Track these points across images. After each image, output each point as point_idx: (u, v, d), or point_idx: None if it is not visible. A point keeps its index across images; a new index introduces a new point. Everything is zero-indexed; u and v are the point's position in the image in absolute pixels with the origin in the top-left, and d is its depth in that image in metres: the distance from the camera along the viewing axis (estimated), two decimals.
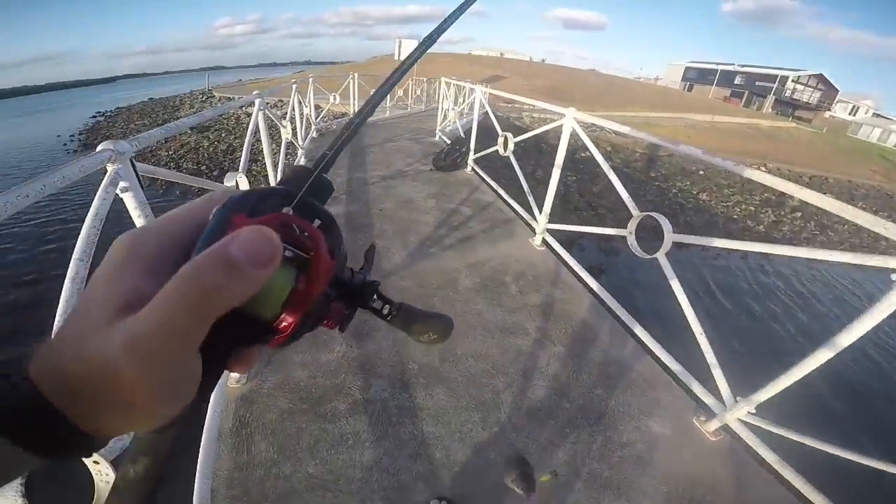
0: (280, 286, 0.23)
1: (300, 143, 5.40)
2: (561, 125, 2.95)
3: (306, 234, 0.25)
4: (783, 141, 26.34)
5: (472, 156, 5.06)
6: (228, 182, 1.95)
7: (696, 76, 53.10)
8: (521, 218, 3.79)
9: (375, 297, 0.34)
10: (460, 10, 0.41)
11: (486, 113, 4.61)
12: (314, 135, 6.70)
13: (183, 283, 0.19)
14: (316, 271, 0.24)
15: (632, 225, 2.20)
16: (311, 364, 2.05)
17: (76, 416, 0.19)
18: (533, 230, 3.43)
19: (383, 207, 3.88)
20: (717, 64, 51.53)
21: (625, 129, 2.39)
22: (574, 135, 2.93)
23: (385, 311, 0.35)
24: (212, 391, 0.24)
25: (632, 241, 2.17)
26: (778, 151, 23.57)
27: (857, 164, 25.70)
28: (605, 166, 2.49)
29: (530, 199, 3.46)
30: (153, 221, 0.25)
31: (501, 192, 4.38)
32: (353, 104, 8.87)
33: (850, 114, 48.63)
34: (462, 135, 5.61)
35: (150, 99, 32.57)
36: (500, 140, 3.79)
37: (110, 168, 1.09)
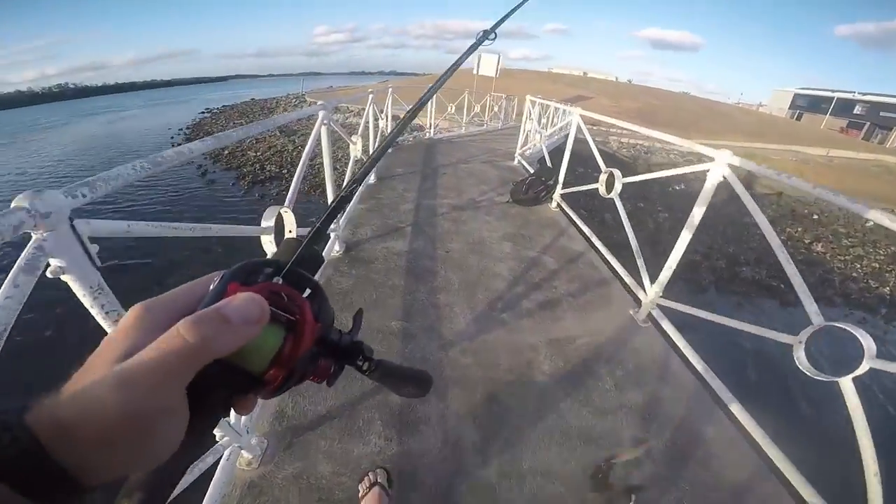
0: (269, 344, 0.28)
1: None
2: (706, 171, 2.16)
3: (293, 300, 0.30)
4: None
5: (559, 190, 4.42)
6: (266, 221, 1.58)
7: (807, 104, 47.71)
8: (621, 280, 3.04)
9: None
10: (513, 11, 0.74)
11: (585, 141, 3.89)
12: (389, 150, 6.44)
13: (180, 329, 0.24)
14: (302, 332, 0.29)
15: (804, 335, 1.57)
16: (338, 456, 1.63)
17: (64, 459, 0.20)
18: (637, 301, 2.72)
19: (450, 249, 3.33)
20: (833, 91, 45.75)
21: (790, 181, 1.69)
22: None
23: (364, 367, 0.36)
24: (205, 436, 0.28)
25: (800, 355, 1.56)
26: None
27: None
28: (781, 254, 1.75)
29: (639, 261, 2.70)
30: (164, 294, 0.28)
31: (595, 240, 3.63)
32: (430, 118, 8.60)
33: None
34: (547, 161, 4.97)
35: (252, 99, 35.57)
36: (603, 177, 3.14)
37: (34, 237, 0.69)
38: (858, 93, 43.32)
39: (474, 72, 13.19)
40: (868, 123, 40.47)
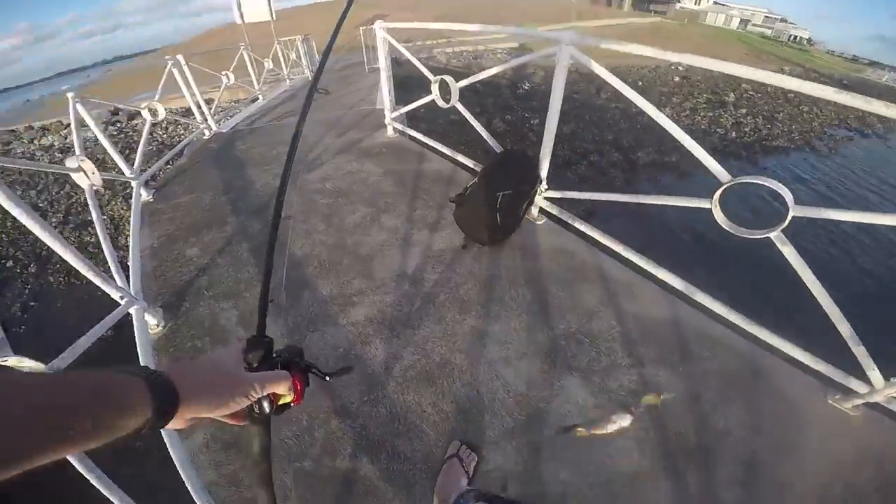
0: (290, 393, 0.55)
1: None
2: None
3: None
4: (668, 38, 26.26)
5: (543, 188, 2.20)
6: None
7: None
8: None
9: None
10: None
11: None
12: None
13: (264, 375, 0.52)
14: (300, 389, 0.56)
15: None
16: None
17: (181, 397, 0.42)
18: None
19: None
20: None
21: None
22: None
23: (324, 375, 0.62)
24: (266, 425, 0.56)
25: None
26: (676, 48, 23.38)
27: (728, 50, 26.98)
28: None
29: (855, 345, 1.38)
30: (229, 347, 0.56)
31: (655, 268, 1.85)
32: (195, 98, 4.75)
33: (695, 4, 51.39)
34: (494, 141, 2.42)
35: None
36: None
37: None
38: None
39: (238, 20, 9.13)
40: None
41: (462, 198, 2.20)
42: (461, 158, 2.89)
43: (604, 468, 1.35)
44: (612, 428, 1.40)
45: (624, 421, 1.41)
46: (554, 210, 2.29)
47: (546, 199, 2.25)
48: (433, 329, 1.72)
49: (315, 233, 2.44)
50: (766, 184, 1.35)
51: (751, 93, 13.63)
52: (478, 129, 2.49)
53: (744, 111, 12.17)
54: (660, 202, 1.76)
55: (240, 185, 3.20)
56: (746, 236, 1.44)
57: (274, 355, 0.57)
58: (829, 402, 1.54)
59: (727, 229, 1.49)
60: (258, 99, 7.12)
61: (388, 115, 3.62)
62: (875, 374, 1.41)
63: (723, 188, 1.46)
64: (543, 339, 1.68)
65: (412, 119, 4.18)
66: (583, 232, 2.15)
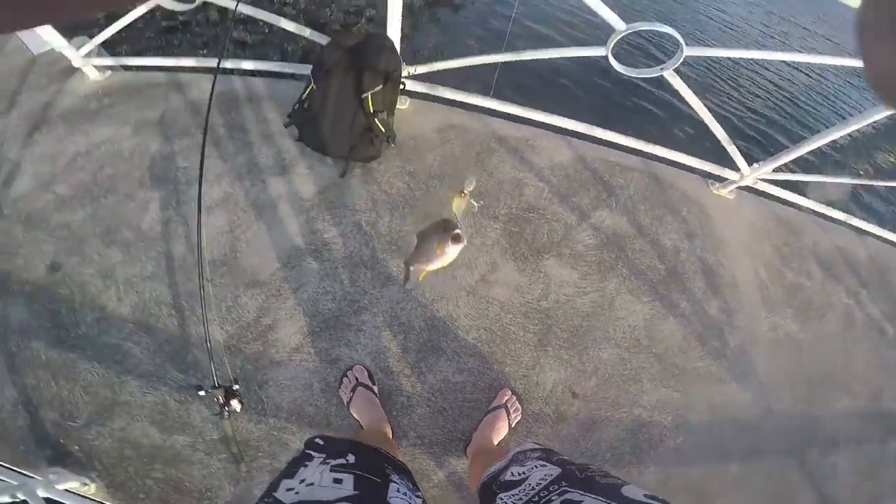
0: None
1: None
2: None
3: None
4: None
5: (411, 68, 1.63)
6: None
7: None
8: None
9: None
10: None
11: None
12: None
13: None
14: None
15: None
16: None
17: None
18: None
19: None
20: None
21: None
22: None
23: None
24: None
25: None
26: None
27: None
28: None
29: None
30: None
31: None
32: None
33: None
34: None
35: None
36: None
37: None
38: None
39: None
40: None
41: (301, 114, 1.59)
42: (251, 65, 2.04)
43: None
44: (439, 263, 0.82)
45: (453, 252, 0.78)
46: (420, 88, 1.87)
47: (411, 77, 1.79)
48: (389, 294, 1.32)
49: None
50: (661, 29, 1.32)
51: None
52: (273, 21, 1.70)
53: None
54: (555, 55, 1.56)
55: None
56: (646, 76, 1.43)
57: None
58: (713, 191, 1.91)
59: (623, 73, 1.42)
60: None
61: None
62: (742, 163, 1.76)
63: (616, 37, 1.35)
64: (495, 235, 1.47)
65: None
66: (463, 102, 1.83)
